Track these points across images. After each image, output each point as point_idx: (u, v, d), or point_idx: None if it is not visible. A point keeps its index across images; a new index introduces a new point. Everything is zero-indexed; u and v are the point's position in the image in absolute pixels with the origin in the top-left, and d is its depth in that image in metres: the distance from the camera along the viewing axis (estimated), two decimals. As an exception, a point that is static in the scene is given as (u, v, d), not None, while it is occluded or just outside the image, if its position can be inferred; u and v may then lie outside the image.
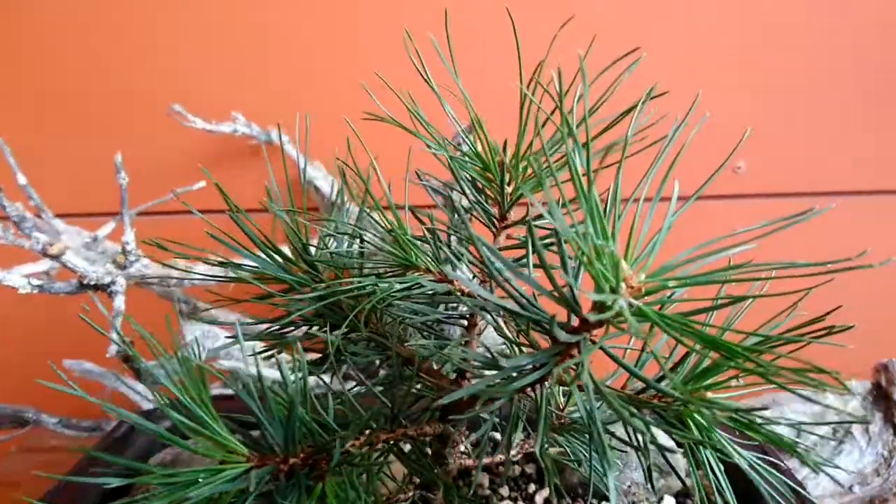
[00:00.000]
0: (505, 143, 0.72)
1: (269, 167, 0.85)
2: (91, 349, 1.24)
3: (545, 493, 0.88)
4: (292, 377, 0.60)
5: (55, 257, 1.09)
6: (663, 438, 0.88)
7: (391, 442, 0.65)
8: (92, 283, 1.12)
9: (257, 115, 1.59)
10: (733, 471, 0.63)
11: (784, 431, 1.34)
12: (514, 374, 0.59)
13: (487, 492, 0.88)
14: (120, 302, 1.12)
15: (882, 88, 1.59)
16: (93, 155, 1.56)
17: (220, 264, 0.78)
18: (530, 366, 0.59)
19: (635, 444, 0.58)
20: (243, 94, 1.63)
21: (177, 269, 1.16)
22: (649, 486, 0.85)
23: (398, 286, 0.67)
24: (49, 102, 1.62)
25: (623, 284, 0.55)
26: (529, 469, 0.92)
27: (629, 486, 0.88)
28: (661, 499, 0.88)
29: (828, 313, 0.59)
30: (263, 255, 0.74)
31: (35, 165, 1.36)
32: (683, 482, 0.61)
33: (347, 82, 1.59)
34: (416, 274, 0.72)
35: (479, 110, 0.75)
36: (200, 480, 0.56)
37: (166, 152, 1.65)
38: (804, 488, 0.75)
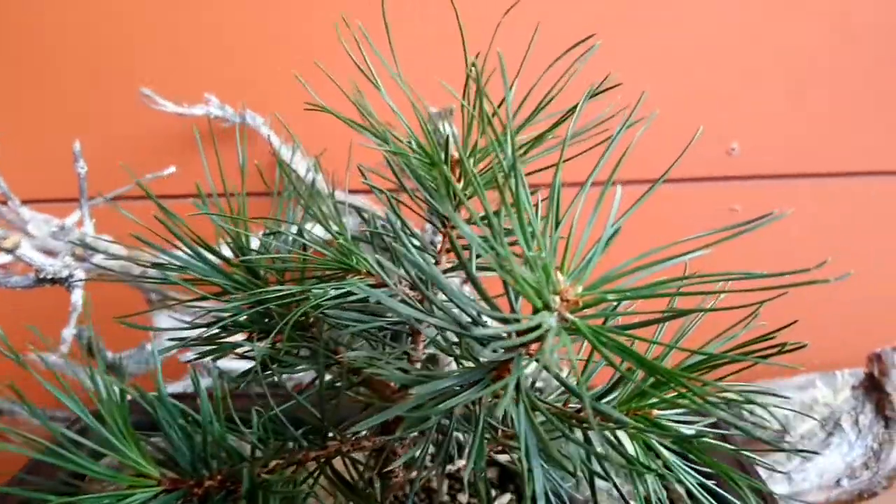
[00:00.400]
0: (446, 138, 0.67)
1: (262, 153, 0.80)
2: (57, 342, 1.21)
3: (506, 498, 0.85)
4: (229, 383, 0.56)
5: (9, 251, 1.06)
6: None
7: (322, 460, 0.62)
8: (49, 276, 1.09)
9: (232, 98, 1.54)
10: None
11: (772, 421, 1.30)
12: (451, 391, 0.55)
13: (446, 498, 0.84)
14: (77, 297, 1.09)
15: (883, 64, 1.52)
16: (61, 139, 1.52)
17: (155, 266, 0.74)
18: (467, 382, 0.55)
19: (577, 468, 0.54)
20: (217, 76, 1.58)
21: (139, 263, 1.12)
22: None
23: (332, 292, 0.63)
24: (13, 84, 1.57)
25: (557, 298, 0.51)
26: (491, 474, 0.88)
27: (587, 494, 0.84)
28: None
29: (779, 329, 0.54)
30: (190, 254, 0.69)
31: (-1, 150, 1.32)
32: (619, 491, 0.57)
33: (326, 60, 1.54)
34: (356, 278, 0.67)
35: (434, 102, 0.70)
36: (106, 506, 0.53)
37: (138, 136, 1.60)
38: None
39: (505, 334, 0.52)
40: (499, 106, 0.64)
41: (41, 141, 1.59)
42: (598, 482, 0.86)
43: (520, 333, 0.52)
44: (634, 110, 0.57)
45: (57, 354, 1.08)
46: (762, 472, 1.19)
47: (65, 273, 1.09)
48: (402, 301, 0.61)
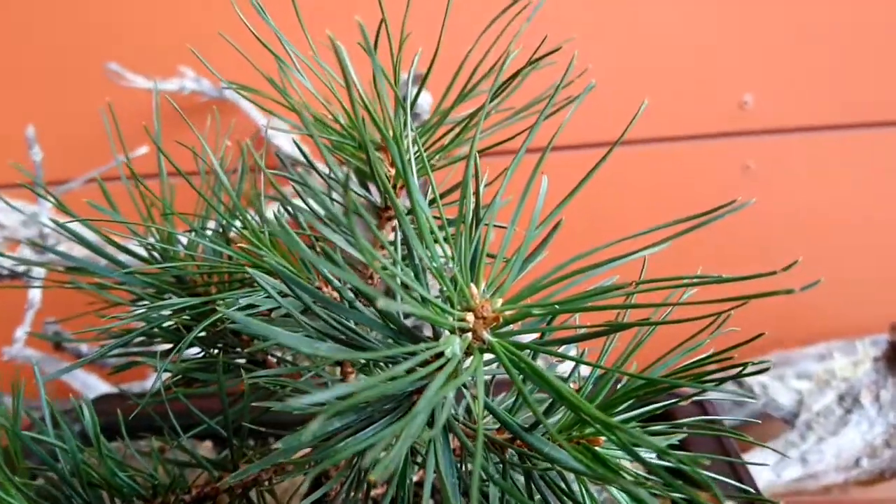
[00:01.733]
0: (361, 120, 0.58)
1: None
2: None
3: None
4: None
5: (-42, 248, 1.00)
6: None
7: (238, 492, 0.55)
8: (4, 273, 1.03)
9: (206, 70, 1.46)
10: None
11: (786, 398, 1.21)
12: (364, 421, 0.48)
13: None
14: (35, 294, 1.03)
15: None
16: (23, 121, 1.46)
17: (68, 270, 0.67)
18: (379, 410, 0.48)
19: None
20: (191, 47, 1.49)
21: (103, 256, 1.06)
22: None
23: (242, 301, 0.56)
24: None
25: (470, 316, 0.43)
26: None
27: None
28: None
29: (745, 342, 0.45)
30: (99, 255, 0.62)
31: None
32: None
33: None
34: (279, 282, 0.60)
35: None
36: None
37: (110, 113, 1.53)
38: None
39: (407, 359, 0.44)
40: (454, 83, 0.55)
41: (6, 124, 1.53)
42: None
43: (426, 362, 0.44)
44: (567, 73, 0.47)
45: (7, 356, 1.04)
46: (774, 457, 1.11)
47: (20, 268, 1.04)
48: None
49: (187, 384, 0.65)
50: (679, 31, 1.41)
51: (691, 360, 0.45)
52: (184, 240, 0.70)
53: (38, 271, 1.07)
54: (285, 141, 1.49)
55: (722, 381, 0.42)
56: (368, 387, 0.32)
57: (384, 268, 0.40)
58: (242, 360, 0.66)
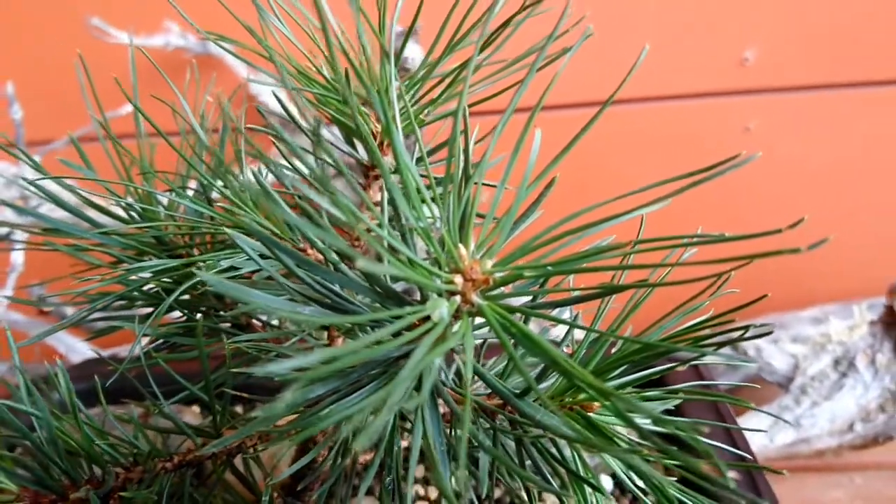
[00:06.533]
0: (346, 71, 0.55)
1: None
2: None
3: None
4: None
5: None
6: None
7: (221, 460, 0.53)
8: (-15, 234, 1.01)
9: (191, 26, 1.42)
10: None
11: (780, 362, 1.20)
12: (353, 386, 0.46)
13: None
14: (18, 256, 1.01)
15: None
16: (2, 77, 1.41)
17: (45, 231, 0.65)
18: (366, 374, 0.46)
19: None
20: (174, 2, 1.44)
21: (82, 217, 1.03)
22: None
23: (224, 263, 0.53)
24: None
25: (458, 278, 0.41)
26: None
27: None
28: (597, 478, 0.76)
29: (746, 305, 0.43)
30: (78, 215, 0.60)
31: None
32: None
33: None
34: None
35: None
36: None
37: (92, 70, 1.49)
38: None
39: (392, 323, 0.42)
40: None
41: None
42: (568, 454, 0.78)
43: (413, 325, 0.42)
44: (557, 26, 0.44)
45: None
46: (767, 421, 1.10)
47: (2, 231, 1.01)
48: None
49: (172, 348, 0.63)
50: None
51: (690, 324, 0.43)
52: (164, 200, 0.67)
53: (20, 234, 1.04)
54: (271, 98, 1.45)
55: (720, 345, 0.40)
56: (351, 351, 0.30)
57: (368, 229, 0.38)
58: (226, 325, 0.64)
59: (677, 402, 0.51)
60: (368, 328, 0.48)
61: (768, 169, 1.51)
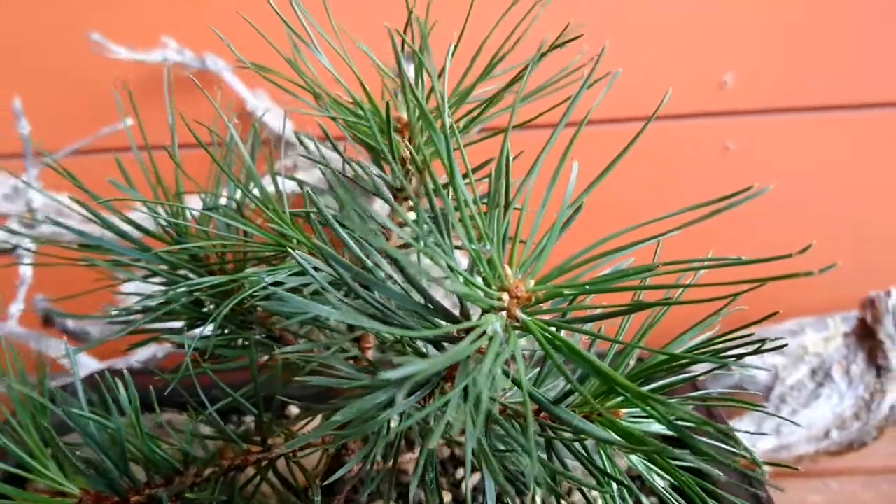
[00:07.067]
0: (387, 104, 0.60)
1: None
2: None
3: (476, 477, 0.81)
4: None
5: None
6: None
7: (265, 463, 0.57)
8: (-7, 247, 1.02)
9: (189, 41, 1.45)
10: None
11: (762, 372, 1.26)
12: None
13: (409, 478, 0.80)
14: (26, 269, 1.02)
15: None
16: (9, 90, 1.43)
17: (81, 247, 0.68)
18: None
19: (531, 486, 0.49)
20: (173, 18, 1.47)
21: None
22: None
23: (267, 279, 0.57)
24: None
25: (505, 296, 0.45)
26: (459, 451, 0.84)
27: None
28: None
29: (757, 322, 0.48)
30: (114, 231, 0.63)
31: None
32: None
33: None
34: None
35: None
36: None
37: (91, 86, 1.51)
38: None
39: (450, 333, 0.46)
40: (442, 68, 0.56)
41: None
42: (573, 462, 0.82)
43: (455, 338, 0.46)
44: (596, 65, 0.49)
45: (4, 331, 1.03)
46: (750, 426, 1.16)
47: (9, 244, 1.03)
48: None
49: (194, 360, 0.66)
50: (660, 12, 1.43)
51: (701, 338, 0.48)
52: (188, 215, 0.70)
53: (29, 246, 1.06)
54: (271, 117, 1.48)
55: (740, 356, 0.45)
56: (438, 364, 0.34)
57: (427, 246, 0.42)
58: (259, 338, 0.67)
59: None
60: (407, 339, 0.52)
61: (745, 186, 1.58)
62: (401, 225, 0.66)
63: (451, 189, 0.43)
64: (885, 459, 1.26)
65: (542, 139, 0.48)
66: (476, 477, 0.81)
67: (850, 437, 1.21)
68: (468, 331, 0.46)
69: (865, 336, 1.25)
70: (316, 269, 0.61)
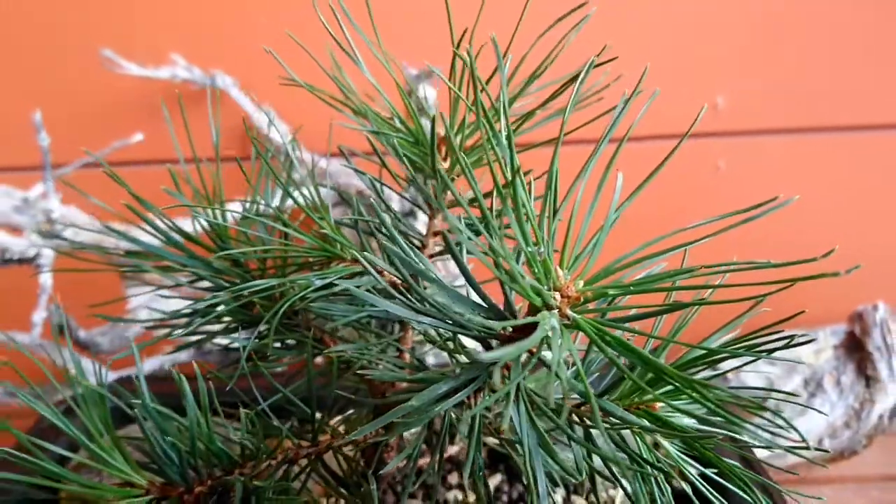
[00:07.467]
0: (435, 117, 0.63)
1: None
2: (20, 324, 1.16)
3: (496, 478, 0.84)
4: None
5: (-29, 232, 1.01)
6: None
7: (313, 456, 0.59)
8: (15, 258, 1.04)
9: (198, 58, 1.48)
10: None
11: (756, 382, 1.30)
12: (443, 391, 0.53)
13: (433, 480, 0.83)
14: (46, 278, 1.04)
15: (873, 15, 1.49)
16: (18, 104, 1.45)
17: (127, 253, 0.70)
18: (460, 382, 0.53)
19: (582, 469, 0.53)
20: (183, 35, 1.50)
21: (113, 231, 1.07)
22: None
23: (317, 283, 0.60)
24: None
25: (557, 295, 0.48)
26: (482, 454, 0.87)
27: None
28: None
29: (784, 320, 0.53)
30: (162, 239, 0.66)
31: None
32: (625, 490, 0.56)
33: (299, 21, 1.47)
34: (342, 266, 0.64)
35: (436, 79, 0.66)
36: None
37: (101, 100, 1.53)
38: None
39: (502, 332, 0.49)
40: (489, 79, 0.60)
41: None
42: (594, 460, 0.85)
43: (518, 332, 0.49)
44: (638, 84, 0.53)
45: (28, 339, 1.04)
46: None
47: (31, 253, 1.05)
48: (389, 296, 0.59)
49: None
50: (656, 39, 1.49)
51: (741, 336, 0.52)
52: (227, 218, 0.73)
53: (48, 254, 1.07)
54: (275, 132, 1.52)
55: (772, 350, 0.49)
56: (522, 347, 0.37)
57: (499, 257, 0.45)
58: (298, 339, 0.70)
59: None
60: (449, 335, 0.55)
61: (736, 204, 1.64)
62: (436, 234, 0.70)
63: (510, 192, 0.47)
64: (874, 468, 1.32)
65: (570, 154, 0.53)
66: (497, 478, 0.85)
67: (841, 446, 1.26)
68: (521, 328, 0.50)
69: (854, 348, 1.31)
70: (360, 274, 0.65)
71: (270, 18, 1.47)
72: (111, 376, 1.25)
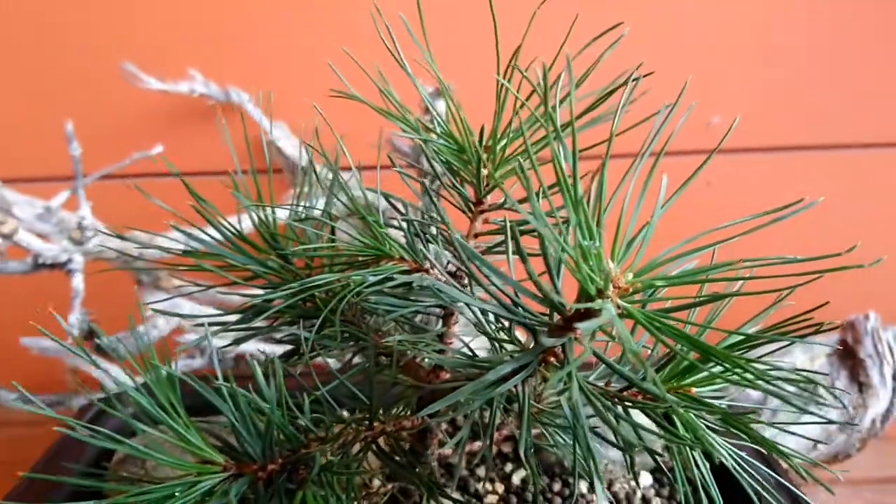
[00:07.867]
0: (483, 126, 0.69)
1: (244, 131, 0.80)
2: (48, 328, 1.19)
3: (522, 472, 0.88)
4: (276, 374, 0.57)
5: (7, 237, 1.04)
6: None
7: (369, 440, 0.64)
8: (48, 262, 1.07)
9: (215, 74, 1.52)
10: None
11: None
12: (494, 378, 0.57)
13: (465, 472, 0.87)
14: (78, 281, 1.07)
15: (866, 33, 1.57)
16: (42, 116, 1.48)
17: (186, 253, 0.74)
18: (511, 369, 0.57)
19: (619, 443, 0.57)
20: (200, 52, 1.55)
21: (137, 242, 1.11)
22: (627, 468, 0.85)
23: (371, 279, 0.64)
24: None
25: (610, 285, 0.53)
26: (506, 448, 0.91)
27: (606, 464, 0.88)
28: (639, 475, 0.89)
29: (814, 309, 0.58)
30: (220, 240, 0.70)
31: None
32: (658, 463, 0.61)
33: (316, 40, 1.52)
34: (390, 264, 0.69)
35: (457, 91, 0.72)
36: (177, 494, 0.54)
37: (122, 112, 1.57)
38: (798, 488, 0.76)
39: (558, 319, 0.54)
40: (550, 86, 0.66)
41: (20, 119, 1.54)
42: (608, 452, 0.90)
43: (573, 319, 0.54)
44: (679, 99, 0.59)
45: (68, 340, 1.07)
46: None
47: (63, 258, 1.08)
48: (446, 284, 0.63)
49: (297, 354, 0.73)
50: (654, 61, 1.56)
51: (752, 329, 0.58)
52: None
53: (78, 259, 1.11)
54: (288, 144, 1.56)
55: (805, 335, 0.54)
56: (589, 327, 0.42)
57: (563, 251, 0.50)
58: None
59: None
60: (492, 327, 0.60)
61: (725, 217, 1.71)
62: (476, 236, 0.75)
63: (571, 192, 0.52)
64: (867, 471, 1.38)
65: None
66: (522, 472, 0.89)
67: (836, 449, 1.32)
68: (574, 317, 0.55)
69: (847, 356, 1.37)
70: (408, 271, 0.69)
71: (278, 37, 1.52)
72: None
